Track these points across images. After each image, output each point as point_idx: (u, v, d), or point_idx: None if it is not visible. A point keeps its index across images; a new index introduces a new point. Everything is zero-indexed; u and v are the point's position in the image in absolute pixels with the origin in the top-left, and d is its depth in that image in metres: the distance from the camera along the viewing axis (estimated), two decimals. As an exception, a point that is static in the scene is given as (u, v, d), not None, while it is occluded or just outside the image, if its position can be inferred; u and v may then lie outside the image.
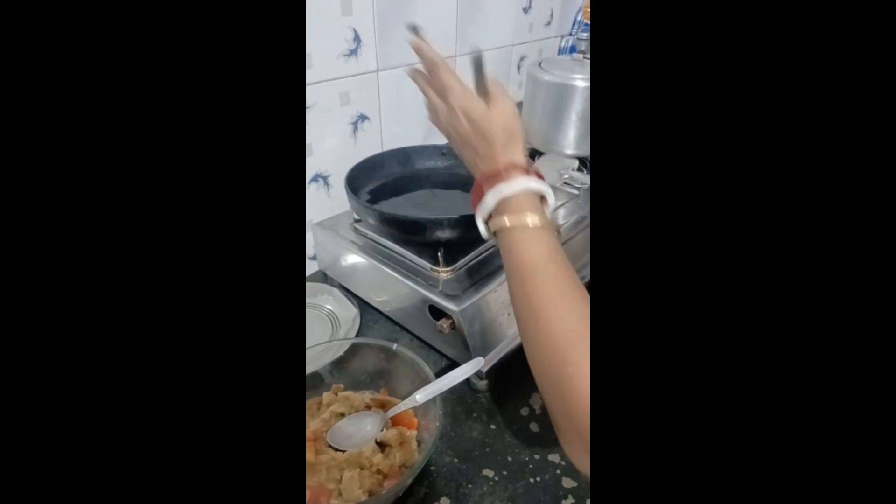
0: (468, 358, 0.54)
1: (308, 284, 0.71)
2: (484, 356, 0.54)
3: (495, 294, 0.57)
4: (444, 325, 0.54)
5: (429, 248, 0.60)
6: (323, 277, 0.75)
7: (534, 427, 0.53)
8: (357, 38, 0.69)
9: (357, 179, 0.68)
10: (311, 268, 0.77)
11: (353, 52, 0.69)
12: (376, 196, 0.71)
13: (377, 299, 0.67)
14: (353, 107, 0.73)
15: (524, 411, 0.55)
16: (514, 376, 0.59)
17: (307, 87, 0.66)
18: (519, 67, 1.05)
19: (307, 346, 0.50)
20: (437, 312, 0.55)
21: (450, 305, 0.53)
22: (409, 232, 0.60)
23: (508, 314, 0.58)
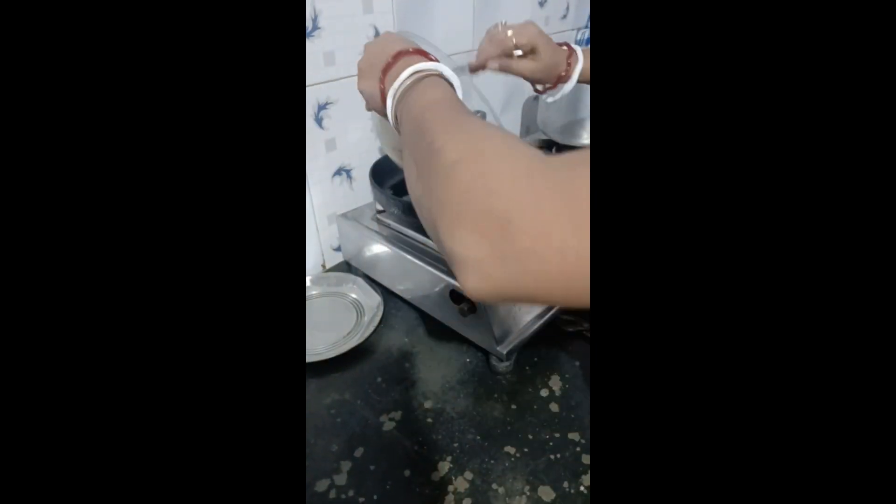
0: (490, 342, 0.55)
1: (333, 274, 0.73)
2: (504, 338, 0.56)
3: (515, 279, 0.58)
4: (465, 308, 0.56)
5: (449, 236, 0.62)
6: (347, 267, 0.77)
7: (553, 407, 0.54)
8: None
9: (380, 173, 0.70)
10: (335, 258, 0.80)
11: (374, 49, 0.72)
12: (398, 188, 0.73)
13: (400, 287, 0.69)
14: (374, 102, 0.76)
15: (544, 392, 0.56)
16: (534, 359, 0.61)
17: (331, 84, 0.68)
18: (536, 61, 1.05)
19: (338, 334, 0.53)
20: (457, 296, 0.57)
21: (471, 290, 0.55)
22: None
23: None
